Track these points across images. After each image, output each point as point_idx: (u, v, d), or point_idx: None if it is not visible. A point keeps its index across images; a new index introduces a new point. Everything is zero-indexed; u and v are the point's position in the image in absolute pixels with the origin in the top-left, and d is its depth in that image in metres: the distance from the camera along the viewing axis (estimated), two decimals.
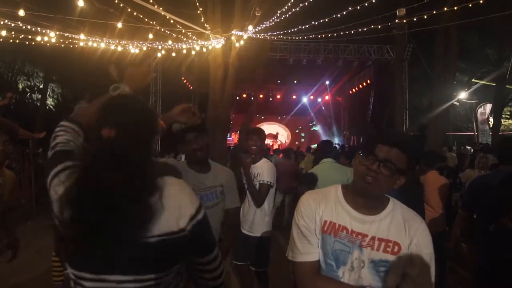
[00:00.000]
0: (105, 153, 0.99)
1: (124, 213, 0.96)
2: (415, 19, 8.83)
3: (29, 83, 17.61)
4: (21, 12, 7.05)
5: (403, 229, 1.25)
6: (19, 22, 7.82)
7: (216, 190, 2.22)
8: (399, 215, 1.28)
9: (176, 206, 1.04)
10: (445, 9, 8.10)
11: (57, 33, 8.71)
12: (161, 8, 7.67)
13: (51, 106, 18.20)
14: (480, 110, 16.53)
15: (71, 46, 9.65)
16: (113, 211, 0.96)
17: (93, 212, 0.95)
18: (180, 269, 1.13)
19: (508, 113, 18.00)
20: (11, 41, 8.75)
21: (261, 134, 3.24)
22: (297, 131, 22.23)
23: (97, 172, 0.97)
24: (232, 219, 2.38)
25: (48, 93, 17.89)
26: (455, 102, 15.47)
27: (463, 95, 17.04)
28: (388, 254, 1.23)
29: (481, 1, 7.10)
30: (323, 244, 1.29)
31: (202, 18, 9.19)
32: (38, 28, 8.32)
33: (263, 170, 3.07)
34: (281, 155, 8.45)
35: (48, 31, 8.51)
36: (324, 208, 1.31)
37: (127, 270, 1.00)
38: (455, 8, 7.81)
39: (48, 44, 9.16)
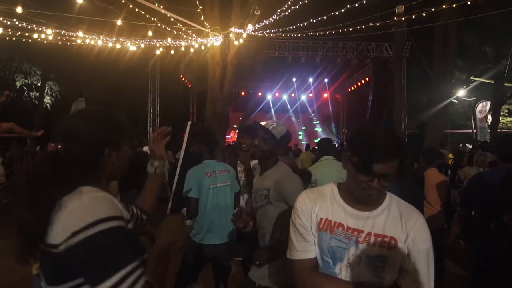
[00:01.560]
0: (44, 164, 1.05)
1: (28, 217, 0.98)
2: (413, 17, 8.82)
3: (26, 81, 17.56)
4: (19, 9, 7.00)
5: (399, 224, 1.25)
6: (15, 20, 7.78)
7: (262, 193, 2.07)
8: (396, 210, 1.28)
9: (62, 217, 0.94)
10: (444, 6, 8.09)
11: (55, 30, 8.67)
12: (161, 6, 7.64)
13: (47, 105, 18.16)
14: (478, 108, 16.57)
15: (69, 43, 9.61)
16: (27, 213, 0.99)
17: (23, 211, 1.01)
18: None
19: (506, 110, 18.06)
20: (8, 38, 8.71)
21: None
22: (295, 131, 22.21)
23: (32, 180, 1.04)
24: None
25: (45, 91, 17.84)
26: (453, 100, 15.49)
27: (461, 92, 17.07)
28: (384, 249, 1.22)
29: None
30: (319, 241, 1.31)
31: (202, 16, 9.16)
32: (35, 26, 8.28)
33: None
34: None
35: (45, 28, 8.47)
36: (320, 206, 1.33)
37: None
38: (454, 5, 7.80)
39: (45, 42, 9.11)
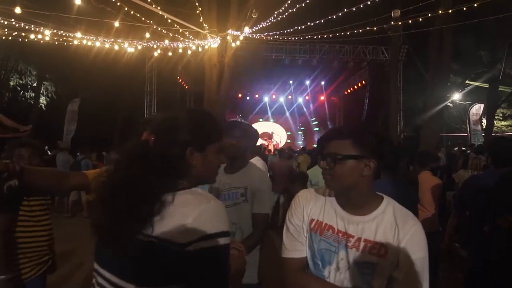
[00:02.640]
0: (138, 154, 1.03)
1: (135, 199, 0.95)
2: (410, 21, 8.90)
3: (21, 81, 17.46)
4: (18, 10, 6.97)
5: (392, 231, 1.20)
6: (12, 20, 7.75)
7: (238, 191, 2.10)
8: (391, 216, 1.23)
9: (190, 217, 0.92)
10: (440, 11, 8.18)
11: (52, 31, 8.65)
12: (158, 8, 7.65)
13: (43, 105, 18.06)
14: (472, 111, 16.71)
15: (65, 44, 9.59)
16: (122, 205, 0.95)
17: (109, 204, 0.98)
18: None
19: (501, 114, 18.21)
20: (4, 38, 8.67)
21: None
22: (289, 133, 22.22)
23: (125, 170, 1.02)
24: (257, 224, 2.08)
25: (41, 91, 17.75)
26: (449, 103, 15.60)
27: (456, 96, 17.19)
28: (373, 256, 1.19)
29: (475, 5, 7.18)
30: (310, 242, 1.30)
31: (201, 18, 9.18)
32: (32, 26, 8.25)
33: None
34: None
35: (42, 29, 8.45)
36: (312, 206, 1.32)
37: (116, 270, 0.97)
38: (450, 11, 7.89)
39: (42, 42, 9.08)
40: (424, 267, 1.18)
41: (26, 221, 2.23)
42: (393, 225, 1.21)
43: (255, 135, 2.31)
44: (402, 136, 13.25)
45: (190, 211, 0.92)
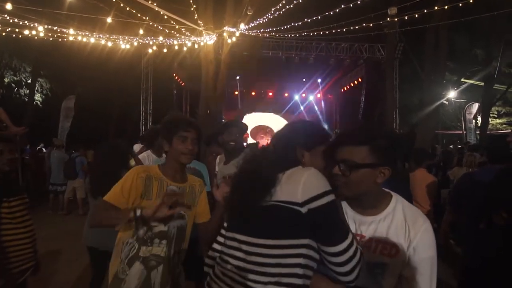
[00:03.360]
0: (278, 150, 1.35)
1: (256, 178, 1.22)
2: (406, 18, 8.90)
3: (15, 78, 17.28)
4: (9, 6, 6.87)
5: (403, 231, 1.20)
6: (6, 15, 7.64)
7: None
8: (401, 215, 1.23)
9: (301, 182, 1.13)
10: (436, 8, 8.19)
11: (46, 26, 8.55)
12: (154, 4, 7.58)
13: (38, 102, 17.91)
14: (468, 110, 16.80)
15: (60, 40, 9.48)
16: (250, 178, 1.25)
17: (242, 183, 1.30)
18: (306, 270, 1.16)
19: (496, 112, 18.32)
20: None
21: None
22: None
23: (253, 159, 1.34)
24: None
25: (36, 88, 17.58)
26: (444, 101, 15.68)
27: (452, 94, 17.27)
28: (385, 256, 1.20)
29: (471, 1, 7.19)
30: None
31: (196, 15, 9.12)
32: (26, 22, 8.15)
33: None
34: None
35: (36, 24, 8.34)
36: None
37: (252, 231, 1.20)
38: (446, 7, 7.89)
39: (36, 38, 8.98)
40: (433, 265, 1.20)
41: (7, 224, 2.09)
42: (404, 223, 1.22)
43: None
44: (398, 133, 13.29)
45: (298, 178, 1.16)
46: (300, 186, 1.13)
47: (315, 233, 1.14)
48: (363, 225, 1.25)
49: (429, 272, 1.19)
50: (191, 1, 8.57)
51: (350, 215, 1.27)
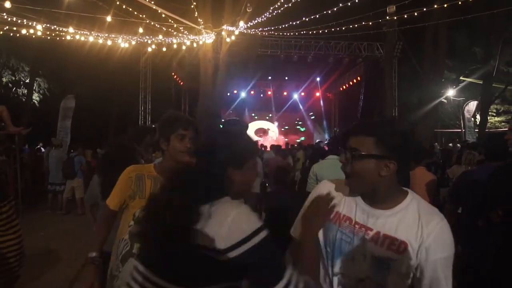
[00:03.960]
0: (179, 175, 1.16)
1: (176, 215, 1.04)
2: (405, 16, 8.90)
3: (13, 78, 17.23)
4: (7, 4, 6.83)
5: (415, 229, 1.16)
6: (4, 14, 7.62)
7: None
8: (415, 212, 1.19)
9: (225, 224, 1.02)
10: (435, 6, 8.19)
11: (44, 25, 8.52)
12: (152, 2, 7.56)
13: (36, 101, 17.87)
14: (466, 108, 16.82)
15: (58, 38, 9.46)
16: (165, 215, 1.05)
17: (152, 215, 1.10)
18: None
19: (495, 110, 18.35)
20: None
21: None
22: (283, 129, 22.20)
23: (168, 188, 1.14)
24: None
25: (34, 88, 17.54)
26: (443, 100, 15.69)
27: (451, 92, 17.28)
28: (392, 252, 1.17)
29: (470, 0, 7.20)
30: (326, 231, 1.31)
31: (196, 13, 9.10)
32: (24, 21, 8.12)
33: None
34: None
35: (34, 23, 8.32)
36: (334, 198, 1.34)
37: (165, 274, 1.06)
38: (445, 5, 7.90)
39: (34, 37, 8.95)
40: (449, 266, 1.16)
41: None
42: (416, 222, 1.18)
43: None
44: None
45: (223, 219, 1.02)
46: (224, 229, 1.01)
47: (245, 276, 1.03)
48: (371, 218, 1.22)
49: (445, 274, 1.14)
50: (190, 0, 8.55)
51: (360, 206, 1.26)
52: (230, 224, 1.01)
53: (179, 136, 1.75)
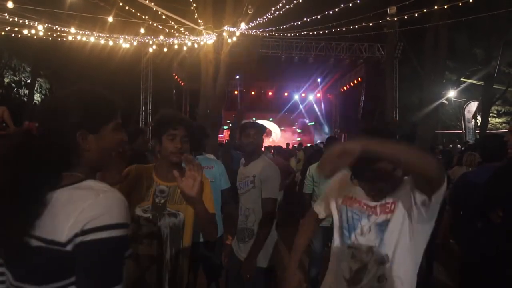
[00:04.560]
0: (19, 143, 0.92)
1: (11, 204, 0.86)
2: (406, 17, 8.91)
3: (15, 78, 17.26)
4: (10, 4, 6.85)
5: (402, 190, 1.39)
6: (6, 14, 7.63)
7: (248, 179, 2.48)
8: (407, 187, 1.37)
9: (73, 212, 0.85)
10: (436, 7, 8.19)
11: (46, 26, 8.54)
12: (152, 4, 7.57)
13: (37, 102, 17.88)
14: (467, 109, 16.80)
15: (59, 39, 9.48)
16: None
17: None
18: None
19: (496, 111, 18.32)
20: None
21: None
22: (282, 128, 22.18)
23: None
24: (262, 208, 2.42)
25: (35, 88, 17.57)
26: (444, 101, 15.67)
27: (452, 93, 17.27)
28: (385, 214, 1.41)
29: (470, 0, 7.20)
30: (340, 212, 1.58)
31: (196, 14, 9.11)
32: (26, 21, 8.14)
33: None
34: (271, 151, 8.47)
35: (36, 24, 8.34)
36: (348, 186, 1.58)
37: (15, 273, 0.91)
38: (446, 6, 7.90)
39: (35, 37, 8.97)
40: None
41: None
42: (407, 188, 1.36)
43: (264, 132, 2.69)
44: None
45: (72, 209, 0.85)
46: (71, 219, 0.84)
47: (77, 273, 0.86)
48: (372, 202, 1.47)
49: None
50: (191, 1, 8.56)
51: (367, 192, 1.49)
52: (85, 208, 0.84)
53: (170, 136, 1.72)
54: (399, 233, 1.38)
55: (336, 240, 1.59)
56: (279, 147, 9.41)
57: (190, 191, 1.48)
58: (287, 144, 13.94)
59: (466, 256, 2.54)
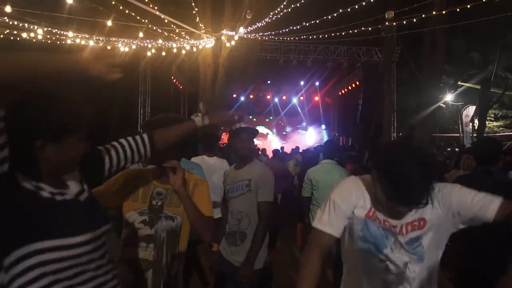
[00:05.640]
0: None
1: None
2: (403, 22, 8.97)
3: None
4: (8, 9, 6.87)
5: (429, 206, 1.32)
6: (5, 18, 7.65)
7: (243, 182, 2.45)
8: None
9: None
10: (434, 12, 8.25)
11: (45, 29, 8.55)
12: (152, 6, 7.60)
13: None
14: (464, 112, 16.86)
15: (58, 42, 9.49)
16: None
17: None
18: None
19: (493, 115, 18.41)
20: None
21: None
22: (284, 133, 22.20)
23: None
24: (260, 211, 2.42)
25: None
26: (441, 104, 15.74)
27: (449, 97, 17.34)
28: (416, 231, 1.34)
29: (468, 6, 7.26)
30: (365, 227, 1.39)
31: (197, 18, 9.15)
32: (25, 24, 8.15)
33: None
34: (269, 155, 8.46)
35: (35, 27, 8.35)
36: (366, 196, 1.41)
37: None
38: (443, 12, 7.96)
39: (34, 40, 8.97)
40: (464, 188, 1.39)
41: None
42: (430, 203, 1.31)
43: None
44: (396, 136, 13.33)
45: None
46: None
47: None
48: (391, 219, 1.37)
49: (464, 190, 1.37)
50: (192, 5, 8.60)
51: (383, 206, 1.38)
52: None
53: None
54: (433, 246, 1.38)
55: (359, 252, 1.41)
56: (277, 150, 9.41)
57: (174, 184, 1.52)
58: (282, 148, 13.95)
59: (464, 259, 2.54)
